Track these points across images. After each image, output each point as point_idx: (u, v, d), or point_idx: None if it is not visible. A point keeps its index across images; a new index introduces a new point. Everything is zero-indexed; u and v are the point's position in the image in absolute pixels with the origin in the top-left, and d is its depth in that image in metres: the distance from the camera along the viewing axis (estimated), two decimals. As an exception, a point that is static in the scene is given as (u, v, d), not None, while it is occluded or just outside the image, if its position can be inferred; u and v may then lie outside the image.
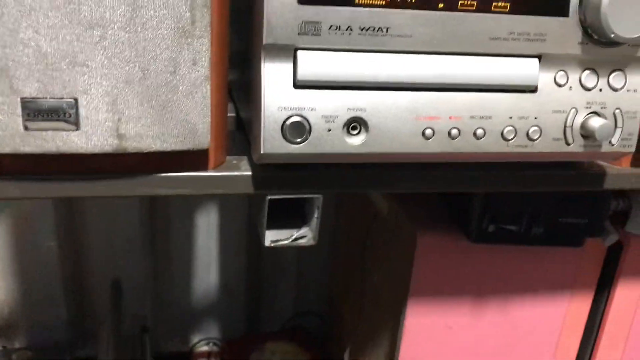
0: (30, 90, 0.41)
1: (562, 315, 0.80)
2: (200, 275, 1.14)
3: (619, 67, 0.50)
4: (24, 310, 1.09)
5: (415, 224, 0.73)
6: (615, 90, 0.50)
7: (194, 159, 0.47)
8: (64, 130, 0.42)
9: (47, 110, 0.41)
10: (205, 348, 1.18)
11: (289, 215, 0.54)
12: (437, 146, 0.48)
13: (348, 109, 0.46)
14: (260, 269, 1.16)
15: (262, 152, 0.45)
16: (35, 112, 0.41)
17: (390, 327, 0.80)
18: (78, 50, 0.41)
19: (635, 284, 0.78)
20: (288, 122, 0.45)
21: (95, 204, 1.04)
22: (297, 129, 0.45)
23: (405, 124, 0.47)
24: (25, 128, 0.42)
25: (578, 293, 0.79)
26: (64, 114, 0.42)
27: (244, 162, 0.50)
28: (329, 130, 0.46)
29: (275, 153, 0.45)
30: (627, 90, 0.50)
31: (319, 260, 1.17)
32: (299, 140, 0.45)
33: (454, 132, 0.48)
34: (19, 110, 0.41)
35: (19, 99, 0.41)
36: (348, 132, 0.46)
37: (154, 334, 1.13)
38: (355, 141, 0.47)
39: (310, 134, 0.45)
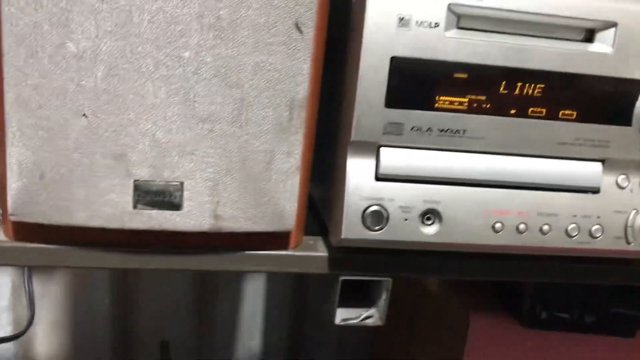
0: (143, 173, 0.46)
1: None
2: (244, 340, 1.16)
3: (678, 172, 0.53)
4: (72, 365, 1.12)
5: (467, 306, 0.76)
6: (674, 193, 0.53)
7: (277, 239, 0.51)
8: (168, 210, 0.47)
9: (155, 192, 0.46)
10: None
11: (355, 294, 0.57)
12: (505, 239, 0.51)
13: (424, 201, 0.49)
14: (302, 339, 1.18)
15: (342, 237, 0.49)
16: (145, 193, 0.46)
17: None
18: (189, 140, 0.45)
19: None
20: (368, 211, 0.49)
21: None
22: (376, 218, 0.49)
23: (477, 217, 0.50)
24: (134, 207, 0.46)
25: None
26: (170, 195, 0.46)
27: (320, 243, 0.54)
28: (406, 220, 0.49)
29: (355, 239, 0.49)
30: (686, 195, 0.53)
31: (362, 332, 1.18)
32: (377, 228, 0.49)
33: (522, 227, 0.51)
34: (130, 191, 0.46)
35: (132, 181, 0.46)
36: (423, 222, 0.50)
37: (195, 397, 1.15)
38: (430, 231, 0.50)
39: (387, 223, 0.49)
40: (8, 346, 1.09)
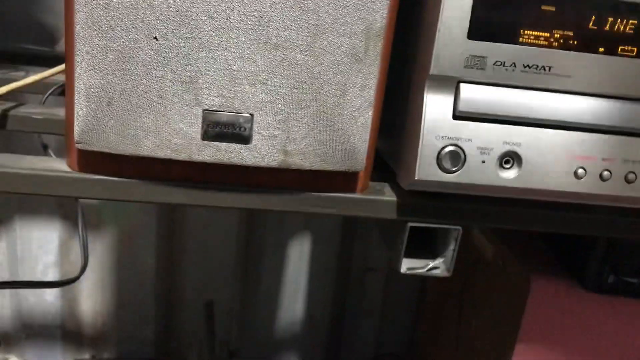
0: (213, 102, 0.44)
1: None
2: (287, 305, 1.15)
3: None
4: (116, 323, 1.12)
5: (527, 269, 0.73)
6: None
7: (345, 180, 0.49)
8: (237, 142, 0.45)
9: (225, 122, 0.44)
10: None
11: (420, 243, 0.55)
12: (587, 187, 0.48)
13: (504, 143, 0.47)
14: (346, 306, 1.16)
15: (415, 178, 0.47)
16: (214, 123, 0.44)
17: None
18: (261, 69, 0.43)
19: None
20: (444, 151, 0.46)
21: (195, 227, 1.08)
22: (453, 159, 0.46)
23: (559, 161, 0.47)
24: (203, 138, 0.44)
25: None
26: (239, 127, 0.44)
27: (387, 188, 0.52)
28: (483, 162, 0.47)
29: (429, 180, 0.47)
30: None
31: (405, 302, 1.16)
32: (453, 169, 0.46)
33: (606, 174, 0.48)
34: (199, 121, 0.44)
35: (201, 110, 0.44)
36: (501, 165, 0.47)
37: (237, 359, 1.15)
38: (508, 175, 0.47)
39: (464, 165, 0.47)
40: (55, 301, 1.10)
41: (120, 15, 0.41)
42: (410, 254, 0.54)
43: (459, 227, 0.52)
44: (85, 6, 0.41)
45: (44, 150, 0.61)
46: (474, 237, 0.87)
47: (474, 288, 0.87)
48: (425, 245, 0.55)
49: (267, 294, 1.14)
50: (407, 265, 0.53)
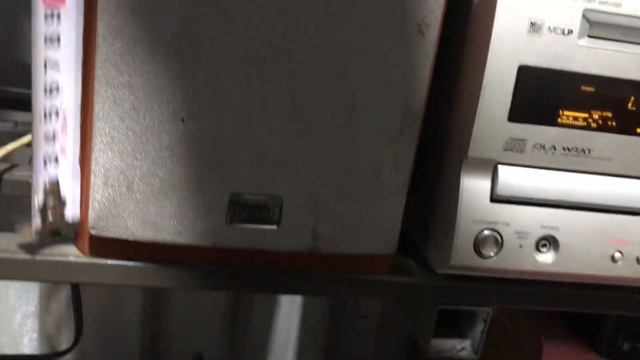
0: (240, 185, 0.41)
1: None
2: (277, 355, 1.11)
3: None
4: (98, 376, 1.07)
5: (539, 333, 0.71)
6: None
7: (375, 261, 0.46)
8: (265, 226, 0.42)
9: (253, 206, 0.41)
10: None
11: (444, 320, 0.53)
12: (624, 270, 0.47)
13: (541, 227, 0.45)
14: (337, 355, 1.13)
15: (451, 263, 0.44)
16: (241, 207, 0.41)
17: None
18: (292, 150, 0.41)
19: None
20: (481, 236, 0.44)
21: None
22: (490, 243, 0.44)
23: (595, 245, 0.46)
24: (229, 222, 0.41)
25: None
26: (267, 211, 0.42)
27: (414, 267, 0.49)
28: (520, 246, 0.45)
29: (465, 265, 0.44)
30: None
31: (397, 350, 1.13)
32: (490, 254, 0.44)
33: (643, 257, 0.46)
34: (226, 205, 0.41)
35: (228, 194, 0.41)
36: (538, 249, 0.45)
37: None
38: (545, 259, 0.45)
39: (501, 249, 0.44)
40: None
41: (144, 96, 0.38)
42: (436, 333, 0.51)
43: (489, 309, 0.49)
44: (107, 85, 0.38)
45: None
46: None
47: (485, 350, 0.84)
48: (449, 321, 0.53)
49: (258, 344, 1.09)
50: (435, 347, 0.50)
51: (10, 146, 0.55)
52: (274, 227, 0.42)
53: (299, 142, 0.41)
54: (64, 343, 1.01)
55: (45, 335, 1.00)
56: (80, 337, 0.61)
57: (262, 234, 0.42)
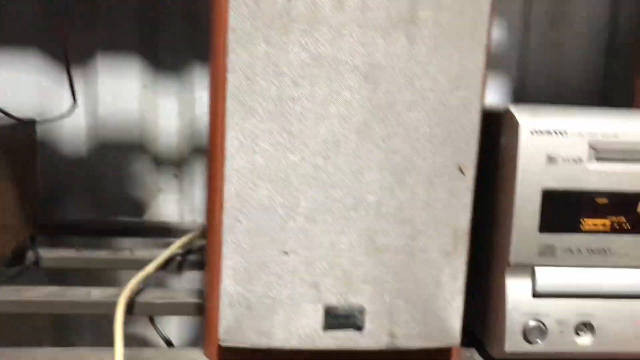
0: (332, 299, 0.53)
1: None
2: None
3: None
4: None
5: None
6: None
7: (442, 353, 0.57)
8: (352, 330, 0.53)
9: (342, 315, 0.53)
10: None
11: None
12: (654, 347, 0.55)
13: (577, 314, 0.55)
14: None
15: (505, 350, 0.54)
16: (333, 316, 0.53)
17: None
18: (369, 269, 0.53)
19: None
20: (529, 326, 0.54)
21: None
22: (536, 332, 0.54)
23: (628, 327, 0.55)
24: (324, 329, 0.53)
25: None
26: (354, 319, 0.53)
27: (476, 355, 0.59)
28: (561, 332, 0.54)
29: (516, 351, 0.54)
30: None
31: None
32: (537, 341, 0.54)
33: (670, 335, 0.55)
34: (321, 315, 0.53)
35: (322, 306, 0.53)
36: (577, 333, 0.55)
37: None
38: (584, 342, 0.55)
39: (545, 336, 0.54)
40: None
41: (258, 237, 0.51)
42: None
43: (545, 388, 0.58)
44: (231, 232, 0.51)
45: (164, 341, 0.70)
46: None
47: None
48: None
49: None
50: None
51: (151, 268, 0.69)
52: (359, 330, 0.53)
53: (373, 263, 0.53)
54: None
55: None
56: None
57: (351, 336, 0.53)
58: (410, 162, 0.52)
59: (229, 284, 0.52)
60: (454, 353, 0.58)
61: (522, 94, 0.99)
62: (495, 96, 0.98)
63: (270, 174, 0.50)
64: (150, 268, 0.70)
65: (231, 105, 0.49)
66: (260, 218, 0.51)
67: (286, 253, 0.52)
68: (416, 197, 0.52)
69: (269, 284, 0.52)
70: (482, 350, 0.59)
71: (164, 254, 0.74)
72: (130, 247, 0.89)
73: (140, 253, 0.83)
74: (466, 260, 0.55)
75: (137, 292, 0.68)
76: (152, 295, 0.69)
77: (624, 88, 0.99)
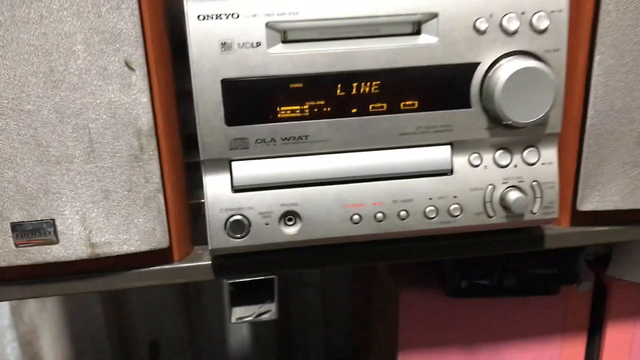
0: (16, 216, 0.51)
1: (556, 358, 0.83)
2: (233, 330, 1.22)
3: (532, 143, 0.55)
4: (77, 371, 1.21)
5: (398, 282, 0.79)
6: (530, 164, 0.55)
7: (160, 255, 0.56)
8: (46, 244, 0.52)
9: (31, 230, 0.51)
10: (245, 399, 1.26)
11: (260, 293, 0.62)
12: (365, 229, 0.55)
13: (281, 205, 0.53)
14: (289, 322, 1.23)
15: (210, 247, 0.54)
16: (22, 232, 0.51)
17: (390, 378, 0.85)
18: (50, 182, 0.51)
19: (623, 327, 0.80)
20: (229, 221, 0.53)
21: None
22: (238, 226, 0.53)
23: (334, 212, 0.54)
24: (16, 246, 0.52)
25: (569, 338, 0.82)
26: (44, 232, 0.52)
27: (207, 252, 0.59)
28: (267, 224, 0.53)
29: (222, 247, 0.54)
30: (542, 164, 0.55)
31: (344, 311, 1.23)
32: (240, 235, 0.53)
33: (379, 215, 0.54)
34: (9, 233, 0.51)
35: (8, 224, 0.51)
36: (285, 223, 0.54)
37: (194, 388, 1.23)
38: (291, 231, 0.54)
39: (250, 229, 0.53)
40: (18, 357, 1.19)
41: None
42: (250, 302, 0.61)
43: (274, 276, 0.58)
44: None
45: None
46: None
47: (374, 298, 0.93)
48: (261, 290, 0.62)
49: (214, 323, 1.21)
50: (236, 315, 0.60)
51: None
52: (54, 242, 0.52)
53: (54, 176, 0.51)
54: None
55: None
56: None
57: (47, 250, 0.52)
58: (67, 65, 0.48)
59: None
60: (176, 253, 0.57)
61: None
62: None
63: None
64: None
65: None
66: None
67: (-47, 173, 0.49)
68: (83, 100, 0.49)
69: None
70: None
71: None
72: None
73: None
74: (165, 162, 0.53)
75: None
76: None
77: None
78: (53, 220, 0.52)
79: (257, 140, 0.52)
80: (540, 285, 0.75)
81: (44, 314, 1.17)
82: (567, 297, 0.79)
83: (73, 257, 0.53)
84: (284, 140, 0.52)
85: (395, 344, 0.80)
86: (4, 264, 0.52)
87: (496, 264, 0.74)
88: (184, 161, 0.57)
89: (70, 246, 0.52)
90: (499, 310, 0.79)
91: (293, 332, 1.24)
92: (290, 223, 0.54)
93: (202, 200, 0.53)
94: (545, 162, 0.56)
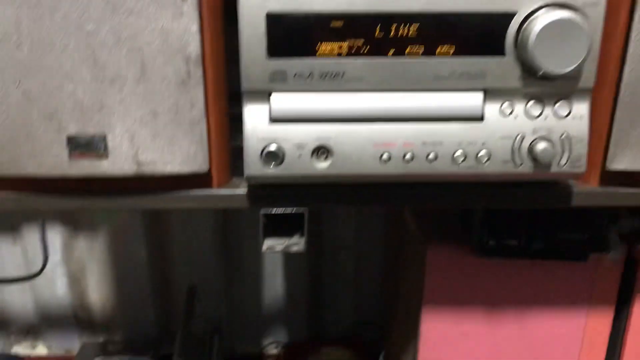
0: (72, 129, 0.56)
1: (581, 330, 0.83)
2: (268, 283, 1.27)
3: (564, 96, 0.56)
4: (120, 309, 1.28)
5: (427, 238, 0.81)
6: (561, 117, 0.56)
7: (200, 179, 0.60)
8: (96, 159, 0.56)
9: (84, 144, 0.56)
10: (274, 351, 1.30)
11: (292, 228, 0.65)
12: (394, 168, 0.57)
13: (315, 138, 0.56)
14: (321, 279, 1.27)
15: (246, 174, 0.57)
16: (76, 145, 0.56)
17: (413, 334, 0.87)
18: (105, 98, 0.55)
19: (652, 301, 0.80)
20: (265, 151, 0.56)
21: (178, 221, 1.21)
22: (273, 156, 0.56)
23: (365, 149, 0.56)
24: (69, 158, 0.56)
25: (596, 308, 0.82)
26: (96, 146, 0.56)
27: (244, 182, 0.62)
28: (300, 155, 0.56)
29: (257, 175, 0.57)
30: (573, 118, 0.56)
31: (376, 271, 1.25)
32: (274, 164, 0.56)
33: (408, 156, 0.57)
34: (64, 145, 0.56)
35: (65, 136, 0.56)
36: (317, 157, 0.57)
37: (227, 336, 1.28)
38: (323, 165, 0.57)
39: (284, 159, 0.56)
40: (65, 295, 1.27)
41: (-12, 71, 0.53)
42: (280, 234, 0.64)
43: (305, 209, 0.62)
44: (-37, 66, 0.53)
45: None
46: (405, 216, 0.95)
47: (404, 256, 0.96)
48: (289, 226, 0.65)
49: (250, 275, 1.26)
50: (267, 245, 0.63)
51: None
52: (104, 157, 0.56)
53: (108, 93, 0.55)
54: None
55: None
56: (46, 265, 0.78)
57: (98, 164, 0.57)
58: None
59: None
60: (215, 179, 0.61)
61: None
62: None
63: None
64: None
65: None
66: (-17, 51, 0.53)
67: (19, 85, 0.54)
68: (139, 24, 0.53)
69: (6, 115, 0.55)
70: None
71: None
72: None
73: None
74: (209, 89, 0.56)
75: None
76: None
77: None
78: (105, 136, 0.56)
79: (295, 74, 0.55)
80: (569, 251, 0.76)
81: (92, 254, 1.24)
82: (595, 267, 0.79)
83: (120, 173, 0.57)
84: (321, 76, 0.55)
85: (420, 299, 0.82)
86: (56, 174, 0.57)
87: (525, 225, 0.75)
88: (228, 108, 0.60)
89: (118, 162, 0.57)
90: (525, 274, 0.80)
91: (324, 293, 1.28)
92: (323, 157, 0.57)
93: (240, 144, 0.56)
94: (576, 116, 0.56)
